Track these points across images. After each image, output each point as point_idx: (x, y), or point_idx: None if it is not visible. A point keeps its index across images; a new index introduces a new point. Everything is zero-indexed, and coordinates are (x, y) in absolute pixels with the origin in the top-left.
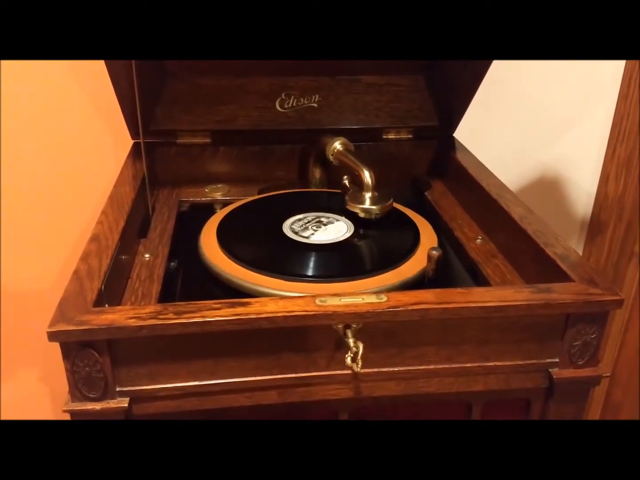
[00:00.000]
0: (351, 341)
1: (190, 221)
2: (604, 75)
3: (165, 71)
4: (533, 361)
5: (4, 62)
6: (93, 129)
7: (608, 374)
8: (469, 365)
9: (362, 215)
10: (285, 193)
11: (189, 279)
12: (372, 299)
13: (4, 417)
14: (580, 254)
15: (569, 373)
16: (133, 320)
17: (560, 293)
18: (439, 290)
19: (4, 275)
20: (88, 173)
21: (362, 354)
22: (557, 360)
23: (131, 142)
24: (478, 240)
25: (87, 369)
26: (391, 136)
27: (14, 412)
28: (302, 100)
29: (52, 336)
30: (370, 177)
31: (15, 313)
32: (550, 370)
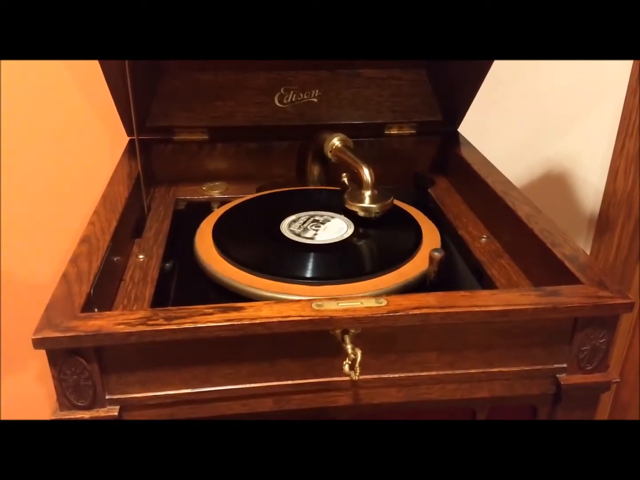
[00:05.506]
0: (349, 347)
1: (187, 220)
2: (612, 69)
3: (161, 67)
4: (539, 367)
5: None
6: (90, 125)
7: (618, 380)
8: (472, 371)
9: (361, 214)
10: (282, 191)
11: (184, 281)
12: (371, 303)
13: (4, 417)
14: (588, 251)
15: (577, 379)
16: (122, 326)
17: (568, 296)
18: (441, 293)
19: (3, 274)
20: (85, 170)
21: (360, 361)
22: (564, 365)
23: (127, 139)
24: (483, 240)
25: (74, 376)
26: (393, 132)
27: (13, 412)
28: (301, 95)
29: (38, 343)
30: (370, 174)
31: (15, 312)
32: (557, 375)
